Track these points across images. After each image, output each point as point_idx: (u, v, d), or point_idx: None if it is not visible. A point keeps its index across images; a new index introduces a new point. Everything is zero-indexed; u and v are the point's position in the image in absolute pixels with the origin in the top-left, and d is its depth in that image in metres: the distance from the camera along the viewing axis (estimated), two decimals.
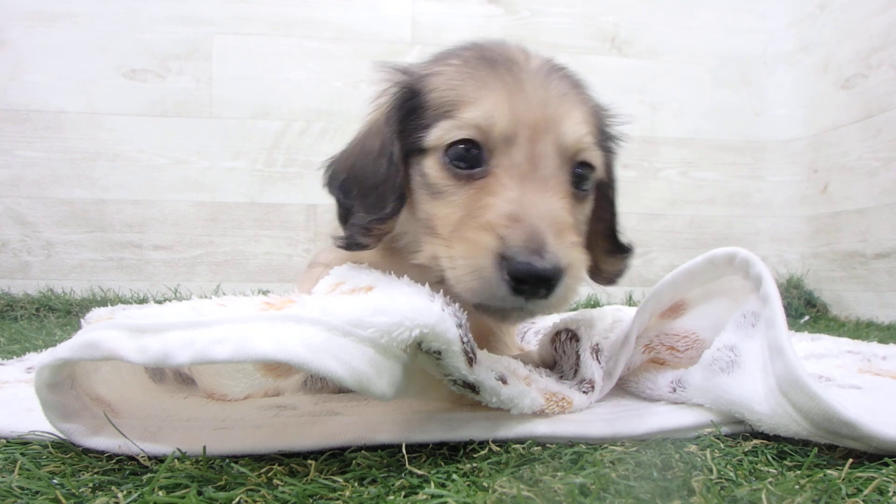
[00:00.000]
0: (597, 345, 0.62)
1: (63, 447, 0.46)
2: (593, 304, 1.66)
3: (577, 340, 0.63)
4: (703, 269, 0.61)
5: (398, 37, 1.76)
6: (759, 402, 0.51)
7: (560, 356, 0.66)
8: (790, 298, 1.72)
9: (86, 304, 1.49)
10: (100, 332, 0.44)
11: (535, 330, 0.89)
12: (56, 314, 1.45)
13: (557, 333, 0.67)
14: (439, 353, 0.45)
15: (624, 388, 0.67)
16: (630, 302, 1.73)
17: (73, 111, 1.69)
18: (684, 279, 0.62)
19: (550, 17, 1.81)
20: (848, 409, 0.47)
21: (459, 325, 0.46)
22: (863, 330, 1.39)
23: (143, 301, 1.56)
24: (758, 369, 0.53)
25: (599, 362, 0.61)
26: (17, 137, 1.68)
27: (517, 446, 0.49)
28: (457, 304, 0.47)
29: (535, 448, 0.49)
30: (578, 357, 0.62)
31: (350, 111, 1.75)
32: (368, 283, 0.51)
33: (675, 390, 0.60)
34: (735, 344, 0.56)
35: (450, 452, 0.48)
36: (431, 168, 0.55)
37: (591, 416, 0.56)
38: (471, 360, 0.47)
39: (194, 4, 1.71)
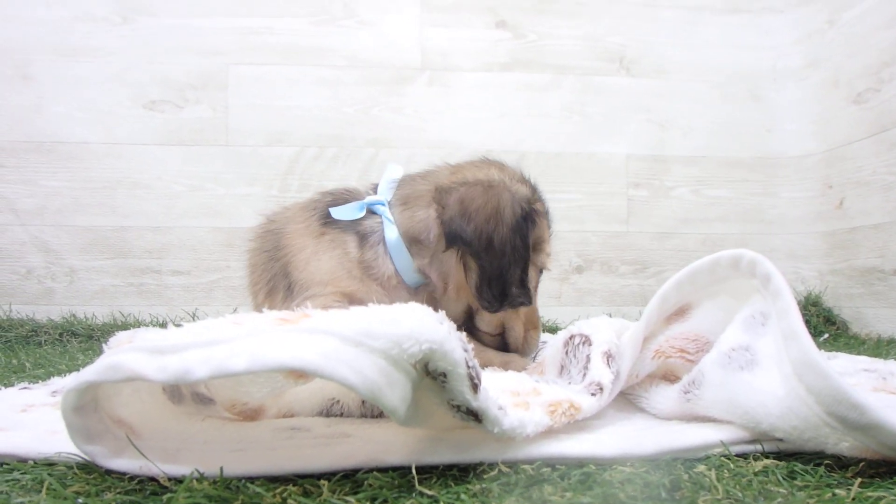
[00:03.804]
0: (608, 350, 0.62)
1: (87, 468, 0.47)
2: None
3: (590, 345, 0.64)
4: (709, 271, 0.61)
5: (407, 63, 1.80)
6: (775, 399, 0.51)
7: (570, 360, 0.67)
8: (809, 316, 1.70)
9: (107, 329, 1.51)
10: (121, 354, 0.45)
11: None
12: (78, 339, 1.47)
13: (571, 337, 0.68)
14: (445, 375, 0.46)
15: (635, 403, 0.67)
16: None
17: (94, 141, 1.74)
18: (689, 280, 0.62)
19: (557, 40, 1.84)
20: (858, 392, 0.47)
21: (465, 350, 0.47)
22: (884, 347, 1.37)
23: (162, 326, 1.58)
24: (773, 364, 0.53)
25: (610, 367, 0.61)
26: (42, 168, 1.73)
27: (527, 467, 0.49)
28: (463, 333, 0.48)
29: (545, 469, 0.50)
30: (589, 360, 0.63)
31: (361, 136, 1.79)
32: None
33: (688, 392, 0.59)
34: (749, 344, 0.56)
35: (460, 473, 0.49)
36: (533, 273, 0.89)
37: (601, 436, 0.56)
38: (475, 387, 0.47)
39: (209, 36, 1.77)
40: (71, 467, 0.48)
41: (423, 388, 0.48)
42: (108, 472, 0.47)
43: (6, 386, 0.80)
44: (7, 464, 0.50)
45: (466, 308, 0.89)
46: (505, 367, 0.82)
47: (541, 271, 0.92)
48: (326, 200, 0.93)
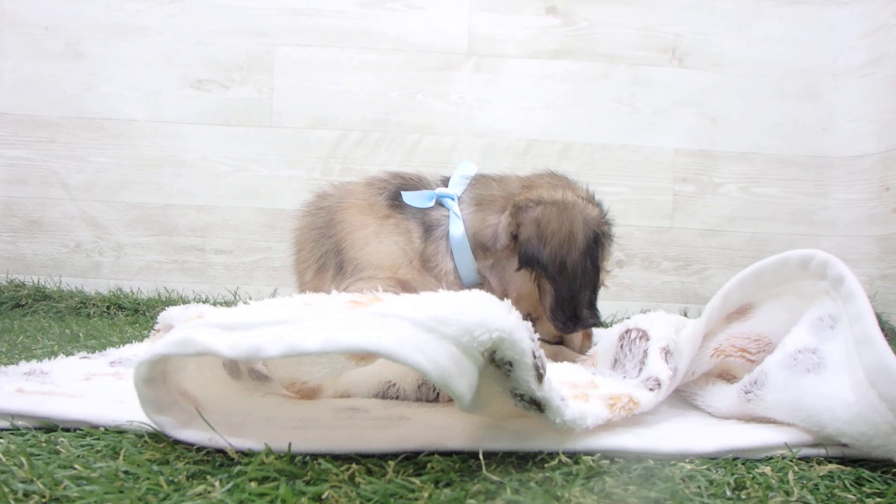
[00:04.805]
0: (667, 346, 0.62)
1: (156, 438, 0.49)
2: None
3: (647, 340, 0.63)
4: (775, 271, 0.60)
5: (454, 48, 1.79)
6: (843, 404, 0.50)
7: (625, 354, 0.66)
8: None
9: (152, 304, 1.55)
10: (194, 329, 0.46)
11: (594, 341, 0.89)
12: (125, 312, 1.51)
13: (627, 331, 0.67)
14: (511, 364, 0.46)
15: (689, 400, 0.66)
16: None
17: (142, 119, 1.77)
18: (753, 279, 0.60)
19: (609, 28, 1.80)
20: None
21: (532, 340, 0.47)
22: None
23: (204, 303, 1.62)
24: (843, 369, 0.52)
25: (668, 363, 0.60)
26: (92, 144, 1.77)
27: (587, 458, 0.49)
28: (529, 323, 0.48)
29: (604, 461, 0.50)
30: (646, 354, 0.62)
31: (405, 121, 1.78)
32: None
33: (749, 392, 0.58)
34: (816, 347, 0.55)
35: (518, 461, 0.49)
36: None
37: (659, 432, 0.55)
38: (540, 377, 0.47)
39: (256, 18, 1.78)
40: (141, 436, 0.49)
41: (486, 375, 0.48)
42: (176, 442, 0.48)
43: (67, 355, 0.83)
44: (80, 429, 0.51)
45: (525, 315, 0.88)
46: (555, 357, 0.81)
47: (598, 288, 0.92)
48: (396, 182, 0.92)
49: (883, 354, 0.48)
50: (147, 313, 1.49)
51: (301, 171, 1.78)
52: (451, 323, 0.42)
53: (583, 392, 0.56)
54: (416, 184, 0.93)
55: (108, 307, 1.52)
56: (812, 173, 1.81)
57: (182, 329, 0.47)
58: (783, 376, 0.56)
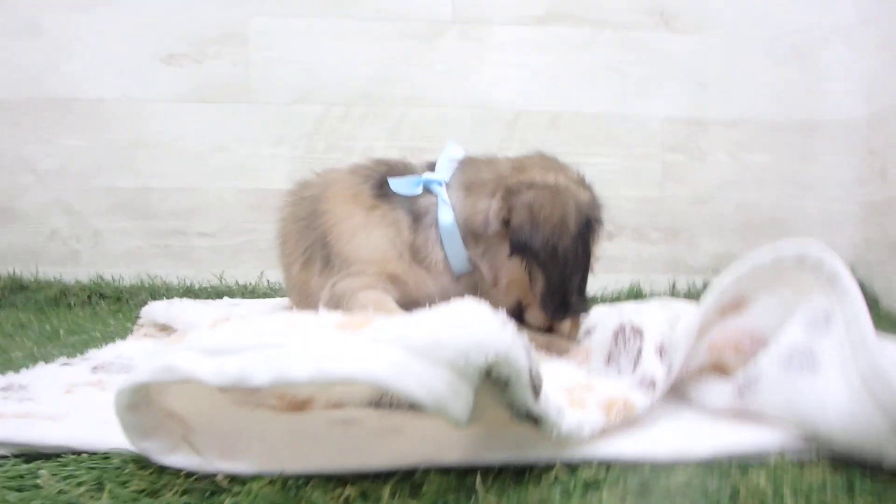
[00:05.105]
0: (661, 344, 0.61)
1: (142, 463, 0.47)
2: (636, 292, 1.64)
3: (642, 336, 0.63)
4: (771, 268, 0.59)
5: (437, 15, 1.72)
6: (836, 407, 0.50)
7: (620, 351, 0.66)
8: None
9: (135, 291, 1.52)
10: (176, 354, 0.45)
11: (586, 328, 0.89)
12: (107, 301, 1.48)
13: (622, 327, 0.67)
14: (507, 381, 0.45)
15: (684, 395, 0.66)
16: (674, 291, 1.70)
17: (111, 98, 1.70)
18: (748, 276, 0.60)
19: None
20: None
21: (528, 356, 0.46)
22: None
23: (189, 288, 1.59)
24: (836, 369, 0.51)
25: (662, 361, 0.60)
26: (59, 126, 1.69)
27: (583, 470, 0.49)
28: (525, 334, 0.47)
29: (601, 470, 0.49)
30: (640, 352, 0.62)
31: (389, 94, 1.73)
32: None
33: (743, 392, 0.58)
34: (810, 346, 0.54)
35: (515, 475, 0.48)
36: None
37: (655, 435, 0.55)
38: (536, 392, 0.46)
39: None
40: (126, 462, 0.48)
41: (483, 389, 0.47)
42: (163, 468, 0.47)
43: (46, 361, 0.80)
44: (61, 456, 0.49)
45: (516, 302, 0.87)
46: (547, 347, 0.81)
47: None
48: (381, 169, 0.89)
49: (877, 358, 0.48)
50: (130, 301, 1.46)
51: (284, 148, 1.72)
52: (446, 346, 0.41)
53: (579, 397, 0.55)
54: (401, 170, 0.90)
55: (89, 296, 1.48)
56: (799, 137, 1.79)
57: (164, 354, 0.46)
58: (777, 375, 0.55)
